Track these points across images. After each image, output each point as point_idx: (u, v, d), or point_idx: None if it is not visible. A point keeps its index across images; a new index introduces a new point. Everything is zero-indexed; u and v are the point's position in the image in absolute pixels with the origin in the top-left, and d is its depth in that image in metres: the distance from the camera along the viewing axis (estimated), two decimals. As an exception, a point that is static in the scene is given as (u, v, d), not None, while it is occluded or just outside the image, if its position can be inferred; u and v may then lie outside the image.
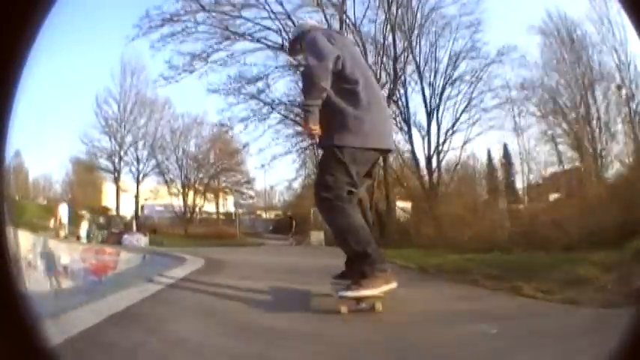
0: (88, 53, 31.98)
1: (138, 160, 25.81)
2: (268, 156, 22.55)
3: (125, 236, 18.78)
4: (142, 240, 18.75)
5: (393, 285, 3.50)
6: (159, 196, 26.03)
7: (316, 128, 3.60)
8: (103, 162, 26.06)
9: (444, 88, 18.25)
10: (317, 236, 19.49)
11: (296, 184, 25.59)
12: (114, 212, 25.96)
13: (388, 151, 4.13)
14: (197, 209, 26.45)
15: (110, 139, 25.66)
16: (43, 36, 1.27)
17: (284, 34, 16.90)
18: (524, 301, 3.97)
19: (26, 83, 1.25)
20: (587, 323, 3.02)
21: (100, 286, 10.13)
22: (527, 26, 19.53)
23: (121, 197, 26.21)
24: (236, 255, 9.79)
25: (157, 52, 17.54)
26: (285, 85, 29.65)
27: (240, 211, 28.22)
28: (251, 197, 28.54)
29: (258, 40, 17.56)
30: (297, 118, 17.98)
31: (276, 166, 30.45)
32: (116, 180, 26.06)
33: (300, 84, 3.90)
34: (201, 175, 26.36)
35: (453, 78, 18.34)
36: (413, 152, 17.64)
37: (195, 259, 7.58)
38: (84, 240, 17.90)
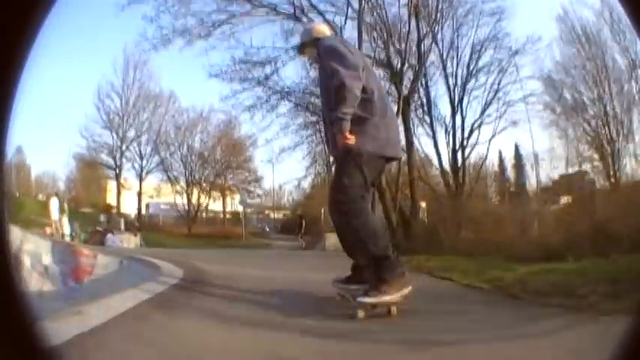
0: (90, 48, 31.84)
1: (141, 156, 24.80)
2: (276, 149, 21.69)
3: (108, 236, 16.95)
4: (130, 240, 16.97)
5: (410, 288, 3.51)
6: (162, 194, 25.19)
7: (352, 138, 3.61)
8: (104, 158, 25.05)
9: (467, 79, 16.45)
10: (333, 240, 17.10)
11: (305, 184, 24.15)
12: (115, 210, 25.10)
13: (397, 158, 4.30)
14: (202, 208, 25.42)
15: (112, 134, 24.70)
16: (44, 33, 1.26)
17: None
18: None
19: (27, 81, 1.25)
20: None
21: (78, 292, 8.24)
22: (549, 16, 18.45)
23: (125, 195, 25.36)
24: (234, 264, 8.12)
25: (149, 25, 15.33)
26: (295, 71, 28.59)
27: (249, 210, 27.25)
28: (259, 196, 27.44)
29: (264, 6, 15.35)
30: (310, 106, 16.33)
31: (284, 163, 30.37)
32: (117, 176, 25.10)
33: (333, 92, 3.67)
34: (206, 173, 25.29)
35: (477, 68, 16.53)
36: (436, 146, 15.61)
37: (173, 270, 5.67)
38: (67, 238, 16.45)
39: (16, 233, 10.35)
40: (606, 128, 15.28)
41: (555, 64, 16.58)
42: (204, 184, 25.22)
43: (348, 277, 3.88)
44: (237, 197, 26.31)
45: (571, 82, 16.42)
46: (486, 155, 16.89)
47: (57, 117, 30.71)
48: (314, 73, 13.79)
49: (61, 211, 17.52)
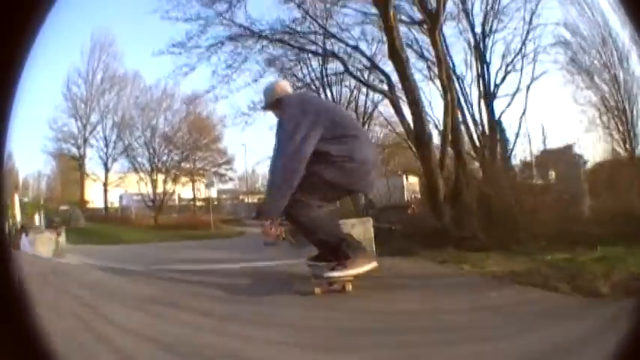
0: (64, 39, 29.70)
1: (106, 144, 23.24)
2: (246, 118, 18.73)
3: (23, 236, 14.45)
4: (46, 241, 14.44)
5: (374, 264, 4.18)
6: (127, 183, 23.42)
7: (277, 233, 4.44)
8: (70, 148, 23.54)
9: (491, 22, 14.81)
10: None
11: None
12: (93, 204, 23.81)
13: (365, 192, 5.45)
14: (171, 196, 23.52)
15: (76, 121, 23.23)
16: (44, 34, 1.34)
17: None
18: None
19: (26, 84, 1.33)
20: None
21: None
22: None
23: (94, 187, 23.81)
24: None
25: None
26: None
27: (224, 196, 26.34)
28: (231, 179, 25.76)
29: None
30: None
31: (256, 136, 29.73)
32: (80, 167, 23.47)
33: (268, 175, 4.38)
34: (173, 156, 23.40)
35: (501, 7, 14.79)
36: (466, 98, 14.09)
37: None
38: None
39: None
40: (618, 96, 13.77)
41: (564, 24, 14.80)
42: (171, 170, 23.25)
43: (318, 255, 4.56)
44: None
45: (579, 44, 14.70)
46: (525, 106, 14.51)
47: (37, 113, 27.98)
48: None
49: (32, 209, 16.87)
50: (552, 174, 13.22)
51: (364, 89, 17.23)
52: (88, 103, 23.07)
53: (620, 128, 13.72)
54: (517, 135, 13.70)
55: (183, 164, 23.48)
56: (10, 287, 1.31)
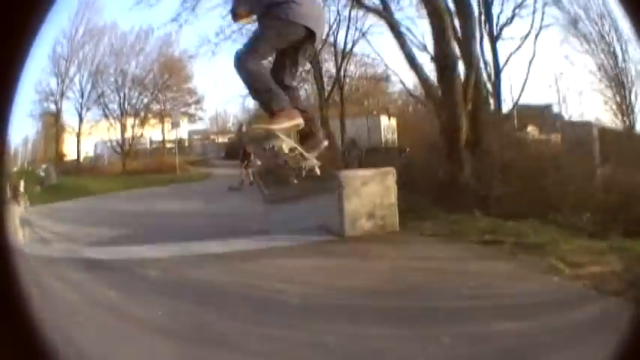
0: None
1: (82, 94, 21.65)
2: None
3: None
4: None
5: (299, 121, 3.95)
6: (99, 131, 21.78)
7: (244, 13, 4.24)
8: (48, 105, 21.73)
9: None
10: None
11: (250, 102, 20.42)
12: (68, 157, 22.12)
13: (313, 35, 4.21)
14: (139, 139, 22.04)
15: (57, 78, 21.52)
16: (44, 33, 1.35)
17: None
18: None
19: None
20: None
21: None
22: None
23: (70, 140, 22.08)
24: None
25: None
26: None
27: (196, 137, 24.85)
28: (200, 119, 24.10)
29: None
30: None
31: (227, 72, 24.76)
32: (56, 121, 21.84)
33: None
34: (143, 98, 22.02)
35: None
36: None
37: None
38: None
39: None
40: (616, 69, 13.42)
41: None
42: (140, 112, 21.93)
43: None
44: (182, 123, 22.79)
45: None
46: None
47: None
48: None
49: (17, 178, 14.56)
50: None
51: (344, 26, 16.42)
52: (68, 58, 21.66)
53: (618, 100, 13.34)
54: (525, 81, 13.29)
55: (152, 106, 22.31)
56: (10, 283, 1.26)
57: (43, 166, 20.30)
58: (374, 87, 18.64)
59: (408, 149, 13.32)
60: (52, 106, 21.74)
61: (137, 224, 10.29)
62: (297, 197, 10.13)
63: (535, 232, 6.66)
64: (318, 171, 4.46)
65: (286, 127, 4.08)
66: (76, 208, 13.49)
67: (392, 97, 19.23)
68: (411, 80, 15.83)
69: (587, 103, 14.10)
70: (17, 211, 11.18)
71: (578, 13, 13.83)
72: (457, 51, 10.46)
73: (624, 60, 13.11)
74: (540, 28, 13.47)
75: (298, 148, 4.29)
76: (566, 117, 14.04)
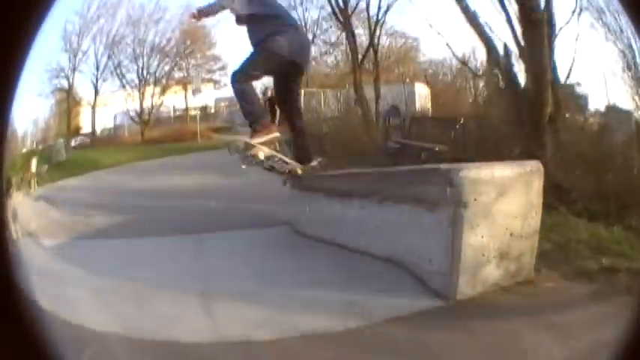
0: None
1: (97, 67, 19.96)
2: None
3: None
4: None
5: (275, 135, 5.65)
6: (116, 102, 20.34)
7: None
8: (60, 82, 19.79)
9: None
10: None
11: None
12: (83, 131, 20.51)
13: (298, 64, 5.82)
14: (159, 107, 20.51)
15: (67, 54, 19.63)
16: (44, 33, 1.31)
17: None
18: None
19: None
20: None
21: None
22: None
23: (86, 113, 20.45)
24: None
25: None
26: None
27: (223, 104, 22.20)
28: (226, 85, 21.44)
29: None
30: None
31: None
32: (67, 94, 19.96)
33: None
34: (166, 68, 20.40)
35: None
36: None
37: None
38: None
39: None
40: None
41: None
42: (162, 81, 20.37)
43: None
44: (205, 89, 21.18)
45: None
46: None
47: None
48: None
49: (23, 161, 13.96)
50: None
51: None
52: (81, 33, 19.74)
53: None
54: (573, 62, 11.16)
55: (175, 74, 20.76)
56: (9, 279, 1.20)
57: (56, 141, 18.62)
58: (404, 55, 17.16)
59: (462, 120, 11.06)
60: (64, 82, 20.05)
61: (133, 208, 9.05)
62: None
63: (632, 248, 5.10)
64: (299, 171, 6.08)
65: (262, 141, 5.53)
66: (77, 186, 12.20)
67: (423, 67, 17.58)
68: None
69: (612, 91, 11.82)
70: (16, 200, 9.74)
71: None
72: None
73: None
74: (581, 10, 11.29)
75: (278, 155, 5.82)
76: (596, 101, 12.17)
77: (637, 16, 1.33)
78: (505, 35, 9.79)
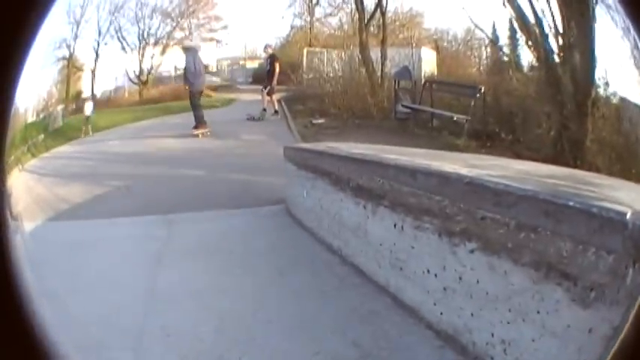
0: None
1: (99, 33, 17.72)
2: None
3: None
4: None
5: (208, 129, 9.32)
6: (117, 64, 18.12)
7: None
8: (62, 52, 17.52)
9: None
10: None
11: (284, 28, 17.58)
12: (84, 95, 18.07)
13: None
14: (159, 68, 18.49)
15: (71, 26, 17.24)
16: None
17: None
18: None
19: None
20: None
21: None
22: None
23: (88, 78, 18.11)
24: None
25: None
26: None
27: (226, 62, 20.59)
28: (227, 44, 20.01)
29: None
30: None
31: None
32: (68, 62, 17.38)
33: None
34: (167, 28, 18.49)
35: None
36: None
37: None
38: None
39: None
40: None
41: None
42: (162, 41, 18.29)
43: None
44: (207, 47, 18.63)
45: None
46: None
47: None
48: None
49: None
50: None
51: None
52: (84, 4, 17.15)
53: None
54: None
55: (176, 34, 18.64)
56: (10, 287, 1.04)
57: (54, 109, 16.57)
58: (410, 21, 15.32)
59: (482, 88, 9.10)
60: (65, 52, 17.36)
61: (116, 177, 8.21)
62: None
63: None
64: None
65: (201, 132, 9.79)
66: (66, 154, 11.40)
67: (428, 33, 15.69)
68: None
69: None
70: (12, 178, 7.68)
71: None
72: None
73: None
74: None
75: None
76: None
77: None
78: (540, 3, 8.15)
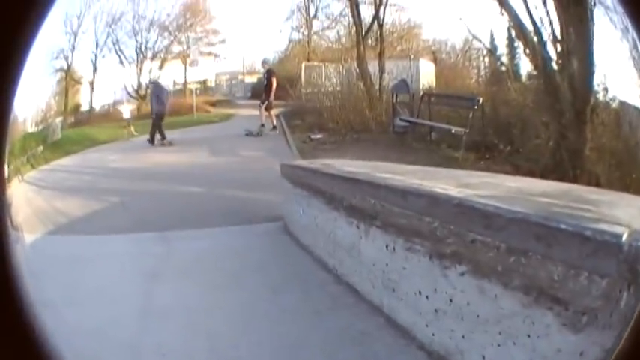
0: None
1: (97, 45, 18.01)
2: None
3: None
4: None
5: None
6: (115, 78, 18.09)
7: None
8: (60, 63, 17.82)
9: None
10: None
11: (282, 41, 17.49)
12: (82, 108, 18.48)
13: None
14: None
15: (68, 36, 17.53)
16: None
17: None
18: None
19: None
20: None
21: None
22: None
23: (86, 90, 18.38)
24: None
25: None
26: None
27: (225, 77, 20.45)
28: (225, 58, 19.97)
29: None
30: None
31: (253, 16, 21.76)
32: (66, 74, 17.79)
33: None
34: (165, 42, 18.53)
35: None
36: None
37: None
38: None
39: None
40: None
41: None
42: (160, 55, 18.38)
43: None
44: (204, 62, 19.10)
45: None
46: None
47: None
48: None
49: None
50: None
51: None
52: (81, 13, 17.53)
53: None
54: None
55: (174, 48, 18.79)
56: (11, 288, 1.05)
57: (52, 121, 16.64)
58: (407, 32, 15.39)
59: (480, 99, 9.10)
60: (63, 63, 17.80)
61: (114, 193, 8.21)
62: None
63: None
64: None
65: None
66: (65, 168, 11.25)
67: (426, 44, 15.87)
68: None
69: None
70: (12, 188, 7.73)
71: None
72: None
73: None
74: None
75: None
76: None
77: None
78: (538, 11, 8.09)
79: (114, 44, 18.05)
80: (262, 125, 11.65)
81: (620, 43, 7.35)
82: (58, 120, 16.17)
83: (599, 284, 1.72)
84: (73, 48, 17.59)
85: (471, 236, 2.27)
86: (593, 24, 7.02)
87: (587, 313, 1.77)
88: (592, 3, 7.10)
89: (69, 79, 17.91)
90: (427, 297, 2.66)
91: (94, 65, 18.13)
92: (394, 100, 11.05)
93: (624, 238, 1.65)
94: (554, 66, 7.81)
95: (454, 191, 2.61)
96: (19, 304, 1.10)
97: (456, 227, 2.37)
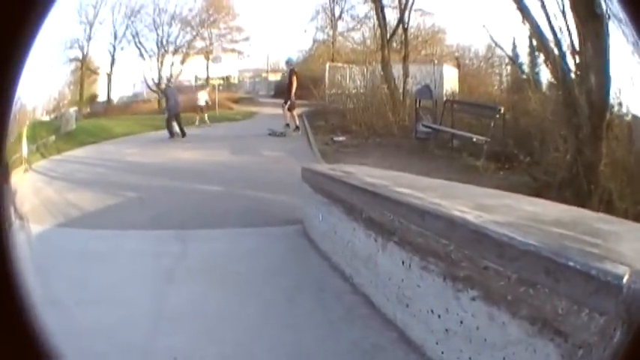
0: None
1: (115, 36, 18.05)
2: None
3: None
4: None
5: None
6: (135, 70, 18.24)
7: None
8: (74, 53, 18.03)
9: None
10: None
11: (307, 41, 17.18)
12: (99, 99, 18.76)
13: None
14: (179, 77, 18.27)
15: (83, 25, 17.73)
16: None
17: None
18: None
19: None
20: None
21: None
22: None
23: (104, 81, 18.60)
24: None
25: None
26: None
27: (248, 74, 20.54)
28: (249, 56, 19.92)
29: None
30: None
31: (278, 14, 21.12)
32: (81, 64, 18.06)
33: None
34: (187, 37, 18.47)
35: None
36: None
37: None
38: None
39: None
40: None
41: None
42: (182, 49, 18.38)
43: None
44: (228, 59, 18.84)
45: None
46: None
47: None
48: None
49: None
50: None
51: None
52: (97, 5, 17.83)
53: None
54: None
55: (196, 43, 18.77)
56: (11, 288, 1.06)
57: (66, 110, 16.95)
58: (431, 37, 15.47)
59: (502, 108, 9.14)
60: (78, 53, 18.09)
61: (127, 187, 8.16)
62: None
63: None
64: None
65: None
66: (78, 158, 10.97)
67: (450, 50, 15.96)
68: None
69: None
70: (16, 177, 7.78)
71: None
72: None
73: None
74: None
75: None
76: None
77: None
78: (557, 22, 8.17)
79: (133, 37, 18.03)
80: (287, 125, 11.78)
81: (632, 57, 7.37)
82: (73, 110, 16.43)
83: (597, 321, 1.84)
84: (89, 38, 17.75)
85: (484, 263, 2.39)
86: (609, 37, 7.04)
87: (583, 347, 1.90)
88: (607, 16, 7.10)
89: (84, 69, 18.01)
90: (439, 316, 2.77)
91: (112, 57, 18.23)
92: (417, 106, 11.10)
93: (625, 279, 1.76)
94: (573, 77, 7.87)
95: (471, 215, 2.71)
96: (19, 301, 1.11)
97: (470, 252, 2.49)
